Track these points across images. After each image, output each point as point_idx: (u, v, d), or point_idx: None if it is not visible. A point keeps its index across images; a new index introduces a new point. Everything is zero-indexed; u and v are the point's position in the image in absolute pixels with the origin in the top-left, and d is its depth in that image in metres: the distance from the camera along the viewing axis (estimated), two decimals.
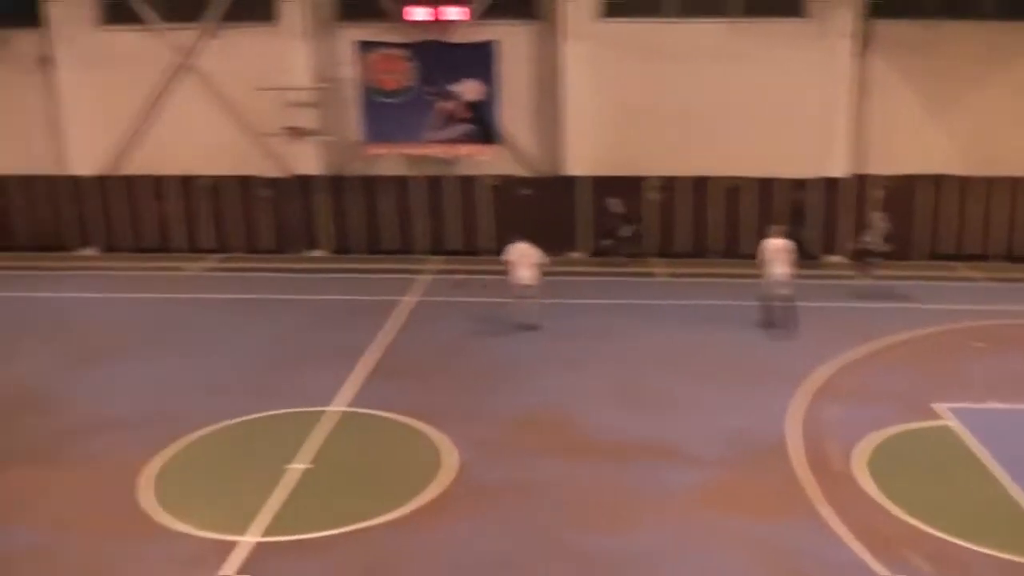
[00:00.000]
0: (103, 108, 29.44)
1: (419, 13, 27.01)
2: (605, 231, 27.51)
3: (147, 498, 13.95)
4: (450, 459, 14.75)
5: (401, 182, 28.44)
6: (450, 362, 19.37)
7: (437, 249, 28.46)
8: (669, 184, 27.64)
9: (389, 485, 14.12)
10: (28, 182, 30.44)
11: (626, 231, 27.24)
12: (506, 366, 19.09)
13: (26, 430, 16.80)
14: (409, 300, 23.71)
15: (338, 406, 17.01)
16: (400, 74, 27.80)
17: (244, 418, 16.69)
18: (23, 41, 29.67)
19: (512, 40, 27.29)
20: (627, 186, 27.42)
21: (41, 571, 12.38)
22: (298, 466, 14.61)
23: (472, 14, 27.08)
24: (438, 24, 27.22)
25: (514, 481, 14.07)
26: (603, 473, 14.29)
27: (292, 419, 16.52)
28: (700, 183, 27.58)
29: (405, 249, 28.54)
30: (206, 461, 15.38)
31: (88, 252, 30.47)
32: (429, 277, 26.00)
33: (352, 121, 28.46)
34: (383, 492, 13.85)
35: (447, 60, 27.44)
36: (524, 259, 21.11)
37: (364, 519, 12.99)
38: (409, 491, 13.75)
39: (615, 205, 27.12)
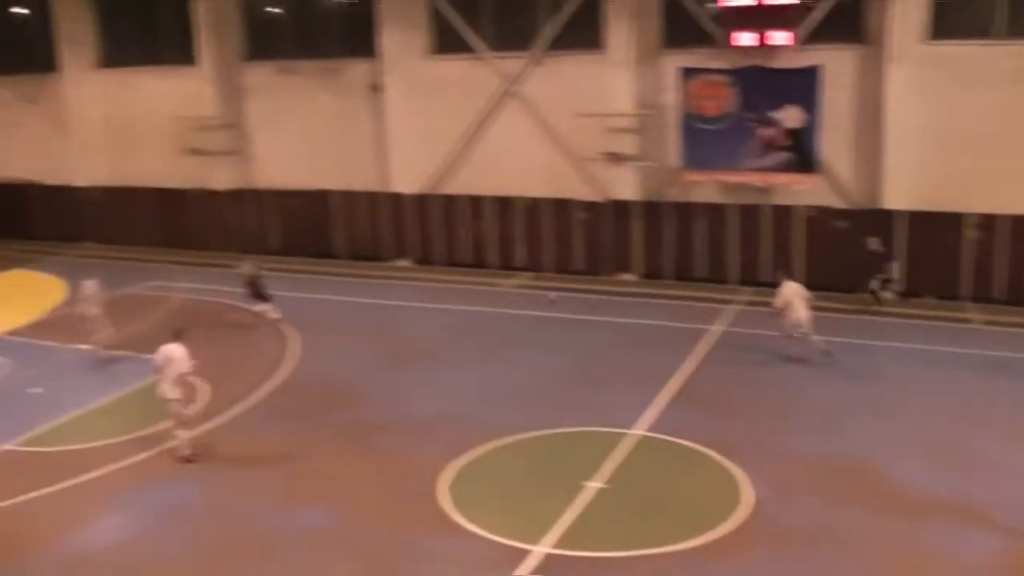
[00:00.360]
0: (427, 132, 31.79)
1: (745, 39, 26.98)
2: (869, 272, 25.85)
3: (444, 496, 15.11)
4: (747, 495, 14.90)
5: (715, 210, 28.54)
6: (752, 396, 19.44)
7: (749, 279, 28.27)
8: (988, 222, 25.96)
9: (684, 514, 14.47)
10: (351, 197, 33.44)
11: (890, 271, 25.76)
12: (809, 405, 18.94)
13: (338, 421, 18.75)
14: (716, 329, 23.83)
15: (638, 429, 17.52)
16: (721, 100, 27.84)
17: (545, 431, 17.60)
18: (357, 70, 32.81)
19: (834, 64, 26.65)
20: (944, 223, 26.03)
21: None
22: (595, 484, 15.21)
23: (796, 39, 26.79)
24: (762, 49, 27.12)
25: (809, 527, 14.07)
26: (901, 529, 13.98)
27: (592, 437, 17.23)
28: (1020, 222, 25.75)
29: (716, 278, 28.54)
30: (506, 468, 16.40)
31: (403, 263, 32.77)
32: (739, 307, 25.92)
33: (670, 147, 28.85)
34: (677, 520, 14.22)
35: (769, 86, 27.20)
36: (799, 298, 21.10)
37: (656, 545, 13.44)
38: (703, 523, 14.04)
39: (874, 244, 25.81)
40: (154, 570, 13.56)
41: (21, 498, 15.67)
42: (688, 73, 28.04)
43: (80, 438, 18.15)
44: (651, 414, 18.24)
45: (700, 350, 22.24)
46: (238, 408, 19.43)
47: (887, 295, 25.58)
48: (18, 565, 13.82)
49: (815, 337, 21.01)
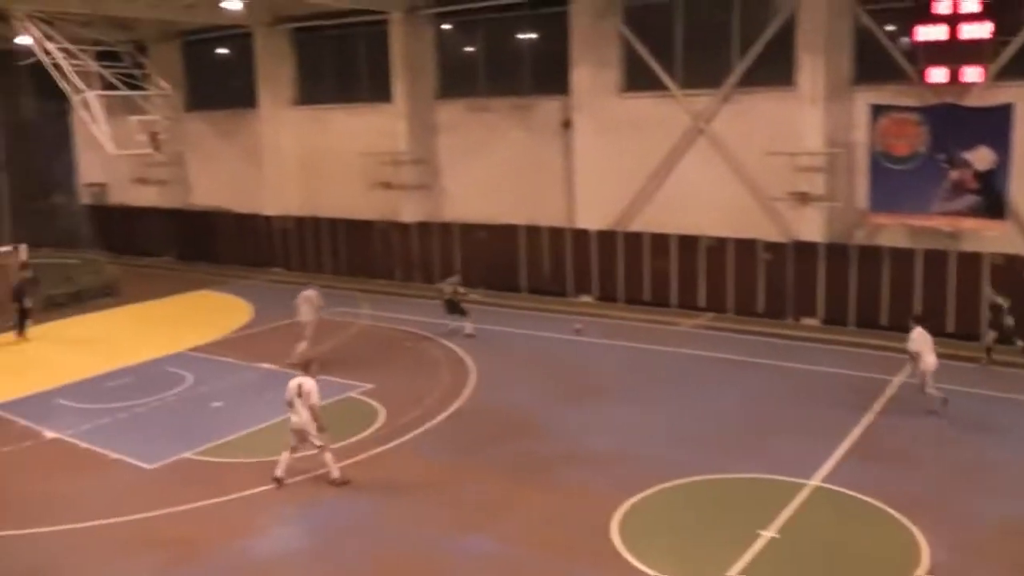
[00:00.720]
0: (614, 168, 32.59)
1: (939, 75, 26.42)
2: (991, 324, 24.94)
3: (615, 534, 15.62)
4: (924, 557, 14.71)
5: (901, 254, 27.97)
6: (934, 452, 19.17)
7: (933, 330, 26.50)
8: None
9: (857, 572, 14.51)
10: (536, 232, 34.58)
11: (1009, 321, 24.56)
12: (994, 465, 18.47)
13: (511, 451, 19.58)
14: (899, 380, 23.39)
15: (814, 480, 17.60)
16: (912, 139, 27.27)
17: (719, 476, 17.96)
18: (548, 107, 34.05)
19: None
20: None
21: None
22: (767, 534, 15.43)
23: (987, 75, 25.94)
24: (953, 86, 26.46)
25: None
26: None
27: (766, 485, 17.47)
28: None
29: (900, 326, 27.31)
30: (678, 510, 16.83)
31: (585, 300, 33.57)
32: None
33: (858, 188, 28.52)
34: None
35: (960, 125, 26.48)
36: (928, 345, 20.91)
37: None
38: None
39: (993, 295, 24.81)
40: None
41: (196, 504, 17.11)
42: (878, 110, 27.70)
43: (255, 452, 19.48)
44: (828, 465, 18.28)
45: (881, 402, 22.05)
46: (413, 433, 20.55)
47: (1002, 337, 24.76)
48: (191, 568, 15.07)
49: (931, 388, 20.80)
